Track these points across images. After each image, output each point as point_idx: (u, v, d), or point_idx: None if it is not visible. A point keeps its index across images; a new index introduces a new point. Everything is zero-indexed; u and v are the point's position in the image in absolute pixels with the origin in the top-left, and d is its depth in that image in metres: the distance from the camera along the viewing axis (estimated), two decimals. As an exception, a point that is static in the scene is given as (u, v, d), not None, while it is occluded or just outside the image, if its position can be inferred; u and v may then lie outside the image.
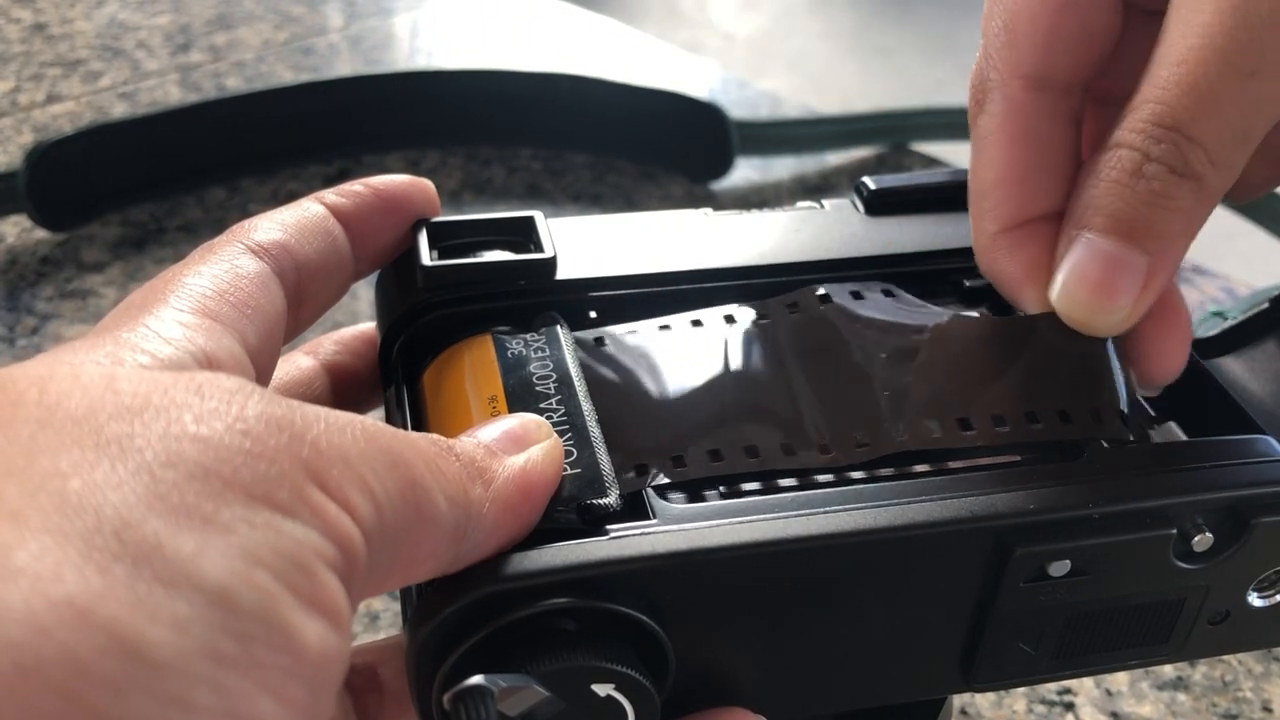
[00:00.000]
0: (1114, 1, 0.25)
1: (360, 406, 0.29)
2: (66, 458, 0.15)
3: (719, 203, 0.60)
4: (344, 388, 0.29)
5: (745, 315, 0.27)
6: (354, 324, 0.30)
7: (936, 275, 0.29)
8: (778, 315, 0.27)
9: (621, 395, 0.25)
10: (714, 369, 0.26)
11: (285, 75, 0.71)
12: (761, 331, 0.26)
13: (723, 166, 0.61)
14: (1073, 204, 0.24)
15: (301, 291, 0.24)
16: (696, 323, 0.27)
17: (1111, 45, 0.26)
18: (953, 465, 0.24)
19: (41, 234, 0.57)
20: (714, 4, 2.57)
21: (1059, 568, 0.23)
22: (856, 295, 0.27)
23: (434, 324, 0.26)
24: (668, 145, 0.62)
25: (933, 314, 0.27)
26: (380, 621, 0.40)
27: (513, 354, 0.25)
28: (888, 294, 0.27)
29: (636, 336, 0.26)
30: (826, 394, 0.25)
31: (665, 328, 0.26)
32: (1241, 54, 0.22)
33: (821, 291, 0.27)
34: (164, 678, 0.14)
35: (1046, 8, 0.25)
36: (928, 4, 2.53)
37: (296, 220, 0.24)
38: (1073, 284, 0.24)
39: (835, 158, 0.65)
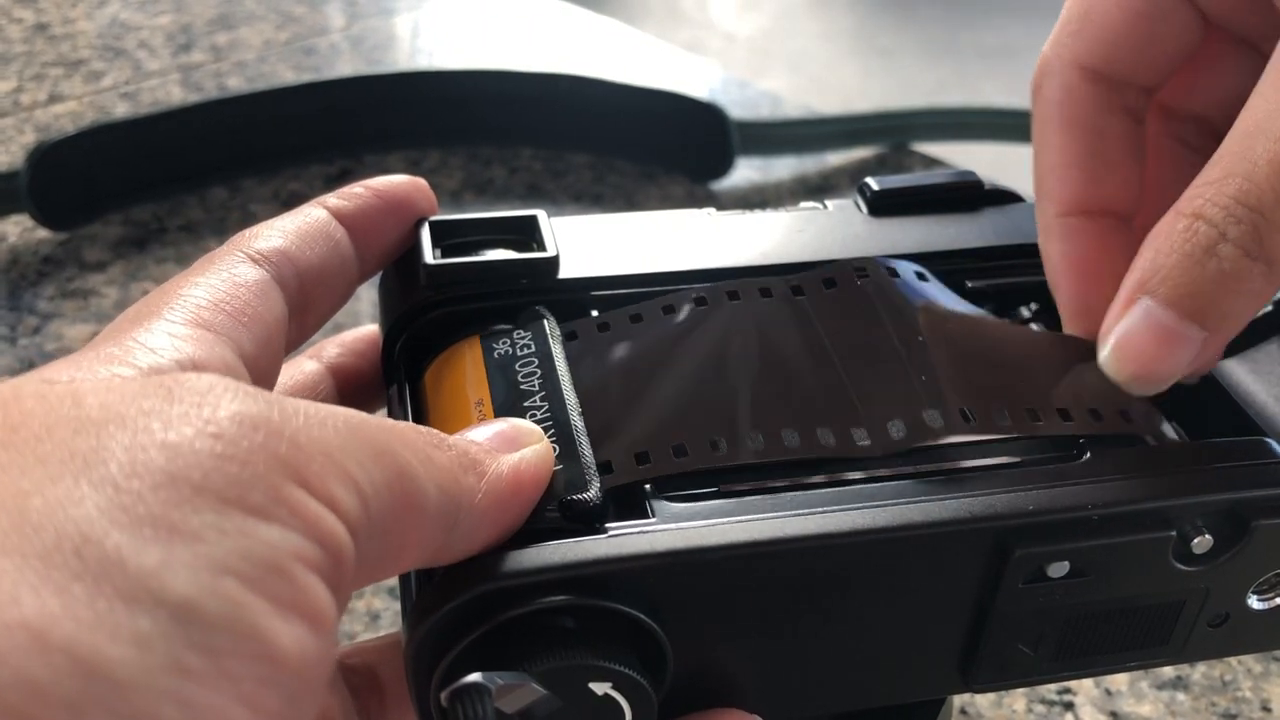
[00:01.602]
0: (1193, 19, 0.26)
1: (365, 408, 0.29)
2: (28, 476, 0.15)
3: (719, 203, 0.60)
4: (349, 390, 0.29)
5: (751, 293, 0.27)
6: (355, 324, 0.30)
7: (939, 277, 0.29)
8: (811, 291, 0.27)
9: (618, 385, 0.25)
10: (724, 352, 0.26)
11: (287, 75, 0.71)
12: (781, 311, 0.26)
13: (723, 166, 0.61)
14: (1139, 262, 0.24)
15: (304, 297, 0.24)
16: (700, 300, 0.26)
17: (1183, 58, 0.26)
18: (958, 465, 0.24)
19: (43, 233, 0.57)
20: (714, 4, 2.57)
21: (1058, 569, 0.23)
22: (892, 273, 0.27)
23: (436, 322, 0.26)
24: (668, 145, 0.62)
25: (965, 304, 0.27)
26: (381, 621, 0.40)
27: (499, 354, 0.25)
28: (921, 277, 0.27)
29: (634, 321, 0.26)
30: (861, 377, 0.25)
31: (669, 309, 0.26)
32: None
33: (859, 267, 0.27)
34: (126, 696, 0.14)
35: (1123, 9, 0.25)
36: (928, 5, 2.53)
37: (297, 226, 0.24)
38: (1123, 348, 0.24)
39: (836, 158, 0.65)
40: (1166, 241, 0.23)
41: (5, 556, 0.14)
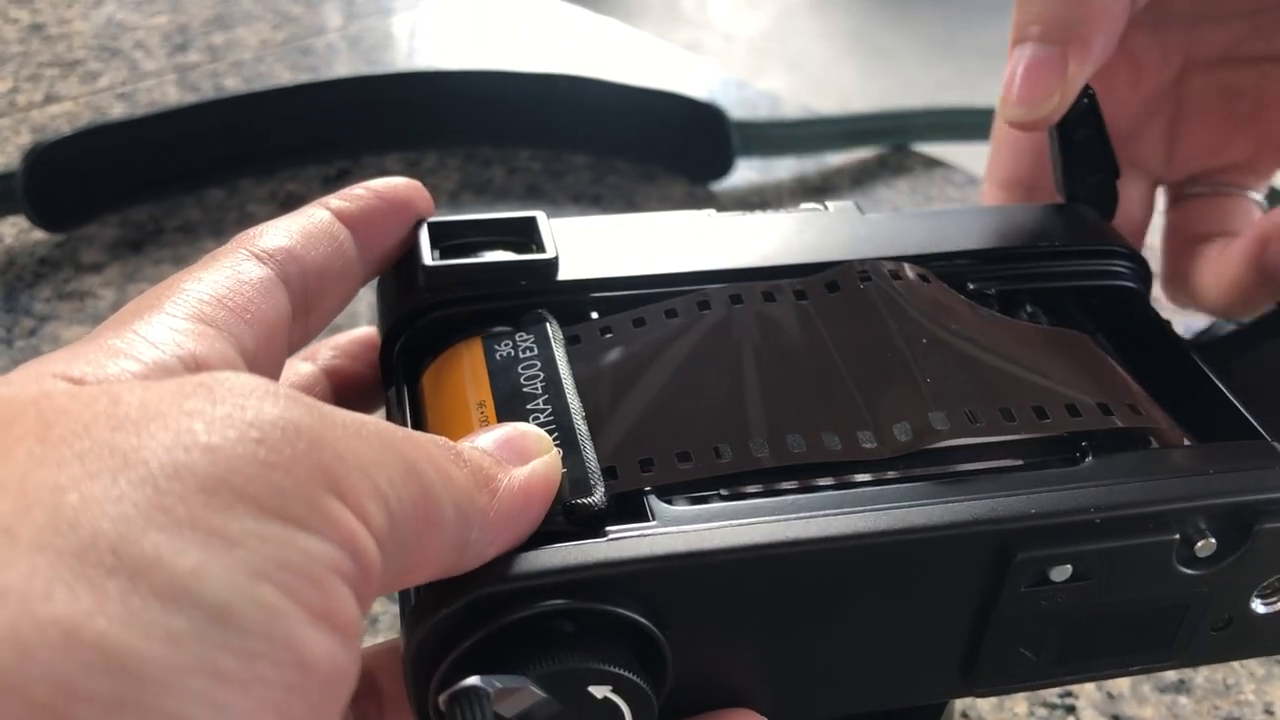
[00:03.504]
0: None
1: (361, 410, 0.29)
2: (65, 472, 0.15)
3: (719, 203, 0.60)
4: (344, 392, 0.29)
5: (754, 296, 0.27)
6: (353, 324, 0.30)
7: (940, 279, 0.29)
8: (814, 294, 0.27)
9: (621, 389, 0.25)
10: (727, 356, 0.25)
11: (284, 75, 0.71)
12: (785, 315, 0.26)
13: (723, 167, 0.61)
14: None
15: (308, 296, 0.24)
16: (704, 304, 0.26)
17: None
18: (960, 468, 0.24)
19: (39, 235, 0.56)
20: (714, 4, 2.57)
21: (1060, 572, 0.23)
22: (896, 275, 0.27)
23: (435, 324, 0.26)
24: (668, 146, 0.62)
25: (968, 305, 0.27)
26: (380, 624, 0.40)
27: (501, 357, 0.25)
28: (923, 279, 0.27)
29: (637, 325, 0.26)
30: (866, 380, 0.25)
31: (671, 313, 0.26)
32: None
33: (862, 270, 0.27)
34: (156, 694, 0.14)
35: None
36: (928, 5, 2.53)
37: (301, 226, 0.24)
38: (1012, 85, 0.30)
39: (835, 158, 0.65)
40: None
41: (39, 553, 0.14)
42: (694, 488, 0.23)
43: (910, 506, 0.22)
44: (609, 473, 0.23)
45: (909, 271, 0.27)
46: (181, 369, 0.19)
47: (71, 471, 0.15)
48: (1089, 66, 0.30)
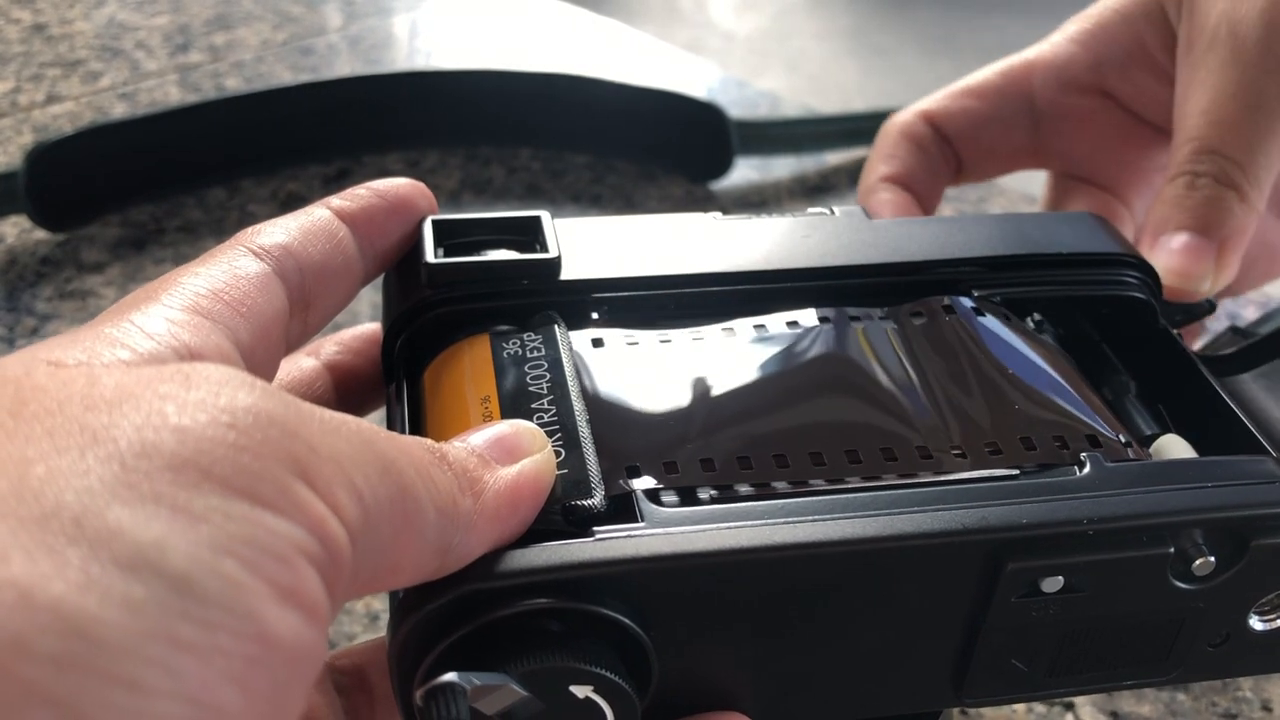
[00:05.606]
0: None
1: (363, 406, 0.29)
2: (34, 446, 0.15)
3: (719, 202, 0.60)
4: (346, 387, 0.29)
5: (778, 326, 0.27)
6: (354, 322, 0.30)
7: (945, 283, 0.29)
8: (838, 322, 0.27)
9: (625, 396, 0.25)
10: (746, 375, 0.26)
11: (284, 75, 0.71)
12: (808, 342, 0.27)
13: (722, 166, 0.61)
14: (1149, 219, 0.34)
15: (307, 293, 0.24)
16: (729, 330, 0.27)
17: None
18: (955, 475, 0.24)
19: (41, 234, 0.56)
20: (713, 4, 2.57)
21: (1052, 584, 0.23)
22: (978, 312, 0.27)
23: (437, 321, 0.26)
24: (668, 145, 0.62)
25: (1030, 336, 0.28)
26: (380, 621, 0.40)
27: (508, 354, 0.25)
28: (1005, 318, 0.28)
29: (646, 339, 0.26)
30: (877, 412, 0.25)
31: (669, 340, 0.27)
32: (1247, 93, 0.33)
33: (947, 302, 0.27)
34: (111, 657, 0.14)
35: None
36: (926, 3, 2.53)
37: (300, 224, 0.25)
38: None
39: (835, 157, 0.65)
40: (1160, 200, 0.34)
41: (1, 521, 0.14)
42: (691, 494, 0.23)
43: (902, 513, 0.22)
44: (631, 471, 0.23)
45: (992, 310, 0.28)
46: (175, 359, 0.20)
47: (40, 446, 0.15)
48: (1235, 267, 0.33)
